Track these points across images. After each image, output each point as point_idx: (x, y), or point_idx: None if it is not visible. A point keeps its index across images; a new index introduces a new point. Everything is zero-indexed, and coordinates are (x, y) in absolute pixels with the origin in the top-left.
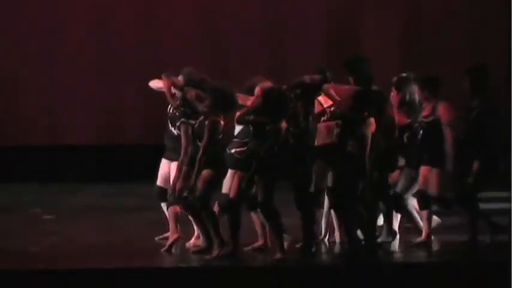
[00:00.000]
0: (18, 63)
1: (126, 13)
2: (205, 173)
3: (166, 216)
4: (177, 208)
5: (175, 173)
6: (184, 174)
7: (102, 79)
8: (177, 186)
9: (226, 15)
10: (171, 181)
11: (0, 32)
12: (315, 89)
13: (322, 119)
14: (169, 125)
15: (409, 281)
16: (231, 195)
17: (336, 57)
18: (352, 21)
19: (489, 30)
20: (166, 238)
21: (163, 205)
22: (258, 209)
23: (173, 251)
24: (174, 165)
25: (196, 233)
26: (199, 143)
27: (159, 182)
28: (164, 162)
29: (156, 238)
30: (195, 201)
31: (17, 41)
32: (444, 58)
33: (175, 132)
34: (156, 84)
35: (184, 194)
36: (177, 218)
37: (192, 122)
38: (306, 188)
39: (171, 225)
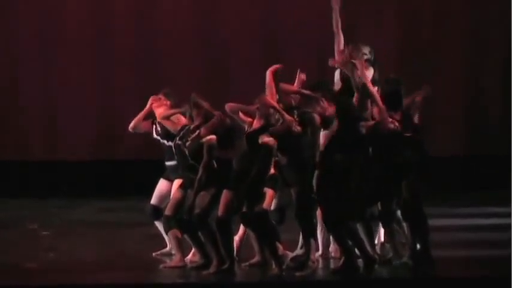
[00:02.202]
0: (17, 79)
1: (126, 27)
2: (205, 191)
3: (161, 233)
4: (177, 232)
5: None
6: (181, 198)
7: (100, 96)
8: (170, 211)
9: (226, 27)
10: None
11: None
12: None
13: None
14: (164, 140)
15: None
16: (220, 213)
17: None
18: (352, 32)
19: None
20: (164, 254)
21: (157, 223)
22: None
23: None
24: (175, 184)
25: (194, 249)
26: (192, 162)
27: (153, 201)
28: (163, 182)
29: (154, 254)
30: (193, 219)
31: (16, 55)
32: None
33: (171, 143)
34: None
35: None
36: (181, 242)
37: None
38: (307, 198)
39: (176, 251)
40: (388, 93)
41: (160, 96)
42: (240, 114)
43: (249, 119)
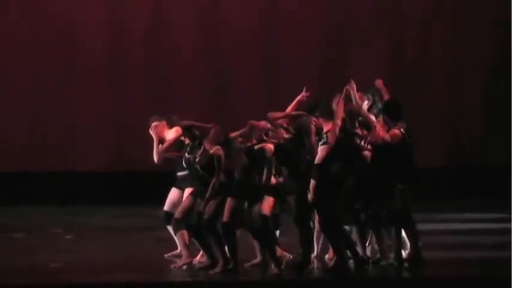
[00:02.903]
0: (36, 92)
1: (137, 47)
2: (212, 200)
3: (173, 236)
4: (185, 233)
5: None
6: (190, 204)
7: (116, 110)
8: (180, 214)
9: (227, 51)
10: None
11: (20, 64)
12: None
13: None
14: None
15: None
16: (225, 219)
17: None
18: (342, 60)
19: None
20: (175, 255)
21: (170, 227)
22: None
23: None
24: (186, 192)
25: (202, 251)
26: (203, 173)
27: (166, 207)
28: (174, 190)
29: (166, 255)
30: (203, 224)
31: (35, 71)
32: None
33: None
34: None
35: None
36: (186, 242)
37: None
38: (305, 203)
39: (183, 249)
40: (387, 105)
41: (155, 124)
42: (239, 139)
43: (241, 140)
